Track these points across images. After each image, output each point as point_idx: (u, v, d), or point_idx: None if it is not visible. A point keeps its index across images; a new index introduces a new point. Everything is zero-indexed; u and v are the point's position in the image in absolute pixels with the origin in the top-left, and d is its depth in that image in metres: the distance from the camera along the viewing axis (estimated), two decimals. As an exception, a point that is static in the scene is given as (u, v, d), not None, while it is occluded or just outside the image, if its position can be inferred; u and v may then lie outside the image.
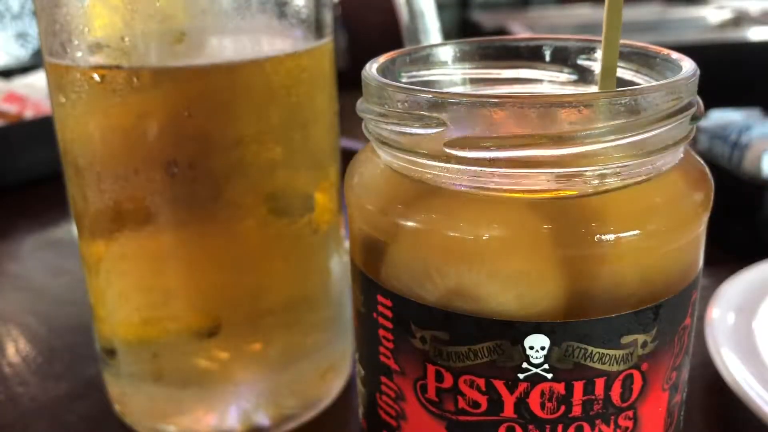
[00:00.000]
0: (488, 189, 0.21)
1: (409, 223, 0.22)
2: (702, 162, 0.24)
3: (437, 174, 0.21)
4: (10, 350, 0.46)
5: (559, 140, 0.20)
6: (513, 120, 0.20)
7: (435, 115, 0.21)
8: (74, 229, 0.35)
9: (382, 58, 0.25)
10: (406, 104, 0.21)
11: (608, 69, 0.23)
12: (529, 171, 0.20)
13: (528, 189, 0.21)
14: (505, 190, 0.21)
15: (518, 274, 0.21)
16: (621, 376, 0.21)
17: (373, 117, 0.23)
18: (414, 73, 0.27)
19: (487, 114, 0.20)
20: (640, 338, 0.21)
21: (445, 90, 0.28)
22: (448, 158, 0.21)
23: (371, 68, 0.24)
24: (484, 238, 0.20)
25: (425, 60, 0.27)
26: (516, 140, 0.20)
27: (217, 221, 0.32)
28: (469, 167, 0.21)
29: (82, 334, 0.46)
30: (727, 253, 0.51)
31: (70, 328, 0.48)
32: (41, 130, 0.71)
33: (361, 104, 0.24)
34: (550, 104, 0.20)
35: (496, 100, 0.20)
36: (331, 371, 0.38)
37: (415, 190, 0.22)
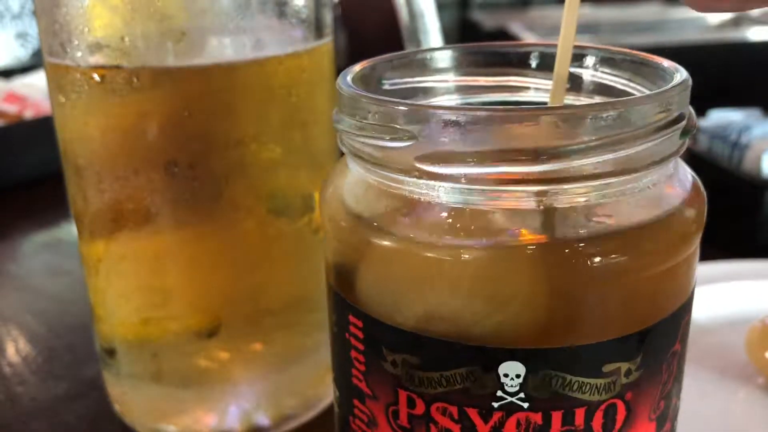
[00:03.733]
0: (464, 207, 0.20)
1: (382, 242, 0.20)
2: (694, 176, 0.23)
3: (411, 190, 0.20)
4: (10, 350, 0.46)
5: (535, 156, 0.18)
6: (488, 134, 0.19)
7: (405, 127, 0.19)
8: (74, 229, 0.35)
9: (359, 66, 0.24)
10: (376, 116, 0.20)
11: (560, 77, 0.22)
12: (504, 188, 0.19)
13: (505, 207, 0.19)
14: (482, 208, 0.20)
15: (492, 297, 0.19)
16: (603, 406, 0.20)
17: (344, 128, 0.22)
18: (397, 81, 0.26)
19: (459, 127, 0.19)
20: (624, 366, 0.20)
21: (415, 101, 0.26)
22: (421, 174, 0.19)
23: (345, 76, 0.23)
24: (462, 258, 0.19)
25: (409, 66, 0.26)
26: (489, 156, 0.19)
27: (217, 221, 0.32)
28: (442, 183, 0.19)
29: (81, 333, 0.46)
30: (727, 253, 0.51)
31: (70, 327, 0.48)
32: (41, 130, 0.71)
33: (335, 115, 0.22)
34: (525, 118, 0.19)
35: (468, 113, 0.19)
36: (331, 371, 0.38)
37: (389, 207, 0.21)
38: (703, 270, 0.42)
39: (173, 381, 0.35)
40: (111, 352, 0.35)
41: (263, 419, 0.35)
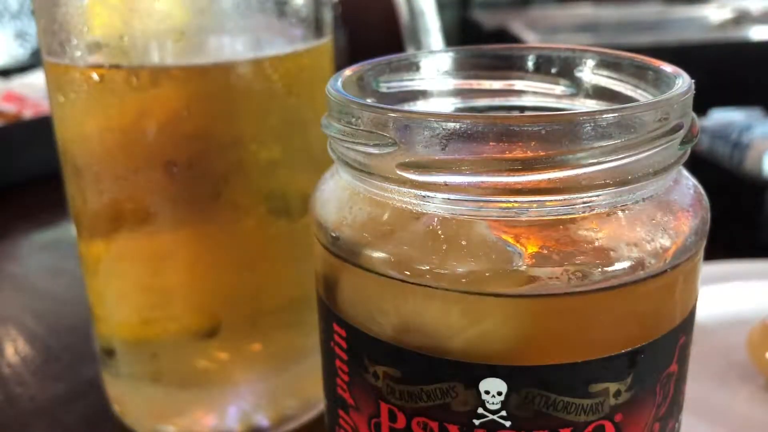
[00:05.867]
0: (446, 217, 0.19)
1: (364, 252, 0.20)
2: (698, 186, 0.22)
3: (394, 198, 0.20)
4: (9, 351, 0.46)
5: (518, 166, 0.18)
6: (473, 141, 0.18)
7: (387, 133, 0.19)
8: (73, 229, 0.35)
9: (350, 70, 0.24)
10: (360, 121, 0.20)
11: None
12: (487, 199, 0.18)
13: (489, 218, 0.19)
14: (466, 218, 0.19)
15: (471, 311, 0.19)
16: (590, 428, 0.19)
17: (332, 134, 0.21)
18: (394, 83, 0.25)
19: (441, 134, 0.18)
20: (612, 387, 0.19)
21: (409, 105, 0.26)
22: (403, 182, 0.19)
23: (335, 80, 0.22)
24: (440, 273, 0.19)
25: (406, 69, 0.26)
26: (470, 165, 0.18)
27: (217, 221, 0.32)
28: (423, 192, 0.19)
29: (81, 334, 0.46)
30: (727, 253, 0.51)
31: (69, 328, 0.48)
32: (40, 129, 0.71)
33: (324, 119, 0.22)
34: (508, 125, 0.18)
35: (450, 119, 0.18)
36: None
37: (372, 215, 0.20)
38: (704, 270, 0.42)
39: (172, 381, 0.35)
40: (110, 353, 0.35)
41: (263, 420, 0.35)
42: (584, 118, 0.18)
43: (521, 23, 1.19)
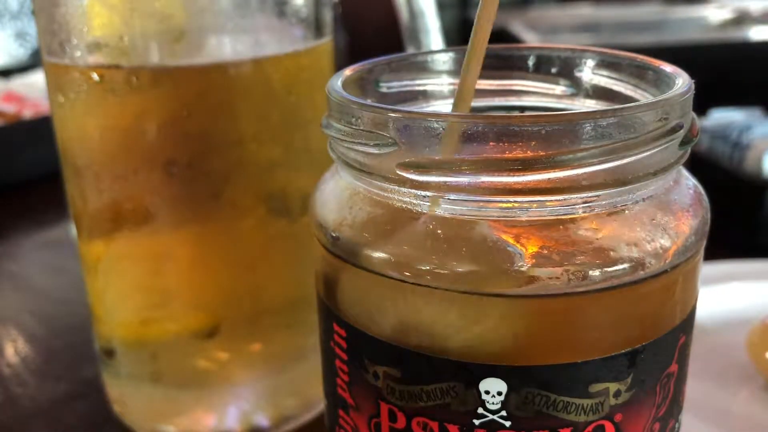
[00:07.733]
0: (446, 217, 0.19)
1: (364, 252, 0.20)
2: (697, 184, 0.22)
3: (394, 199, 0.20)
4: (9, 351, 0.46)
5: (518, 166, 0.18)
6: (473, 141, 0.18)
7: (387, 133, 0.19)
8: (73, 229, 0.35)
9: (350, 70, 0.24)
10: (360, 121, 0.20)
11: (466, 91, 0.21)
12: (487, 199, 0.18)
13: (489, 218, 0.19)
14: (466, 218, 0.19)
15: (471, 311, 0.19)
16: (590, 428, 0.19)
17: (332, 134, 0.21)
18: (394, 84, 0.25)
19: (441, 134, 0.18)
20: (612, 387, 0.19)
21: (410, 105, 0.26)
22: (403, 182, 0.19)
23: (335, 80, 0.22)
24: (440, 273, 0.19)
25: (407, 69, 0.26)
26: (470, 165, 0.18)
27: (217, 221, 0.32)
28: (423, 192, 0.19)
29: (81, 334, 0.46)
30: (727, 253, 0.51)
31: (69, 328, 0.48)
32: (40, 129, 0.71)
33: (324, 120, 0.22)
34: (508, 125, 0.18)
35: (449, 119, 0.18)
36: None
37: (372, 215, 0.21)
38: (704, 270, 0.42)
39: (172, 381, 0.35)
40: (110, 353, 0.35)
41: (262, 420, 0.35)
42: (584, 118, 0.18)
43: (521, 23, 1.19)
